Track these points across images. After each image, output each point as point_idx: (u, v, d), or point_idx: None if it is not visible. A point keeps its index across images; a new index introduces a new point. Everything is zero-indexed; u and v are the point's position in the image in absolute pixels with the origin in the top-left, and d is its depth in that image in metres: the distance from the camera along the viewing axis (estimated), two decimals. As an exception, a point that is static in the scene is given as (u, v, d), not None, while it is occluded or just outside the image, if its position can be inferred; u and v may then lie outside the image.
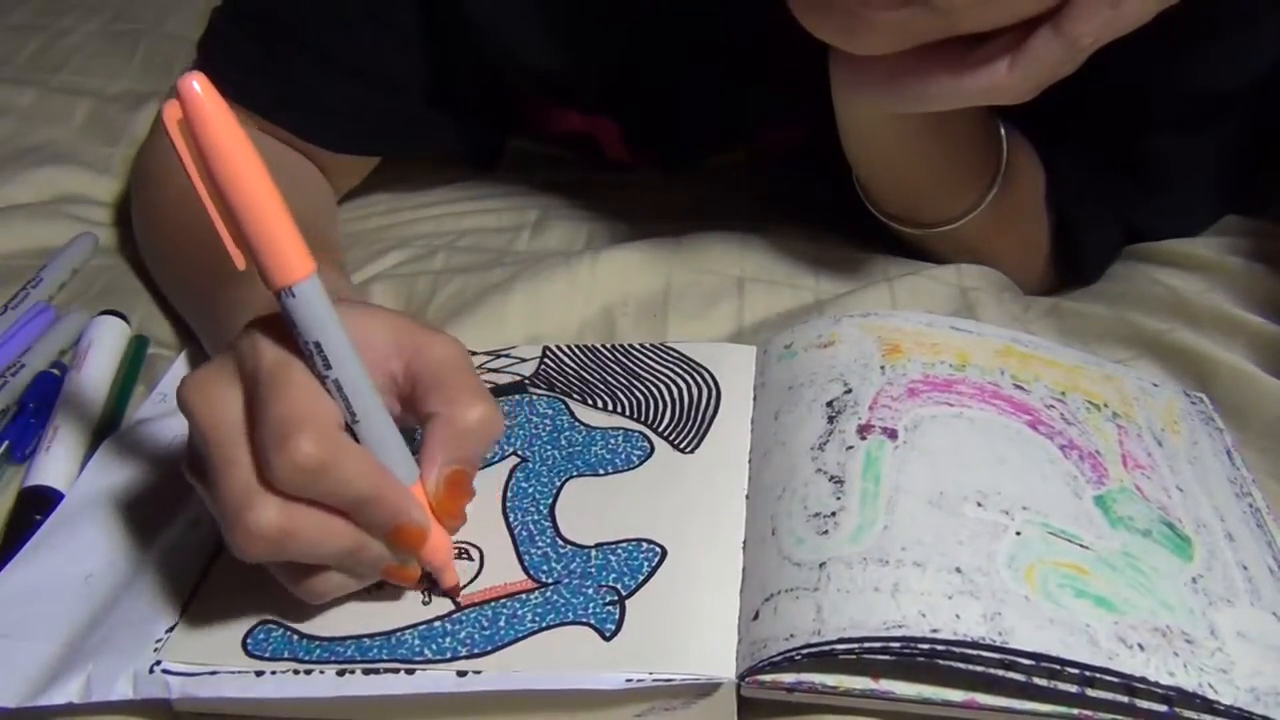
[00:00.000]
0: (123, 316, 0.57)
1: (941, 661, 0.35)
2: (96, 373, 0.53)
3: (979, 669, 0.35)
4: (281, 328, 0.36)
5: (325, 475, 0.35)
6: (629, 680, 0.37)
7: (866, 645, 0.35)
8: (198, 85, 0.32)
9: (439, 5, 0.59)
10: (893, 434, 0.43)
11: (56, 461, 0.48)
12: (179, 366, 0.54)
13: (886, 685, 0.36)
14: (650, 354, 0.51)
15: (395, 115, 0.63)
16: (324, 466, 0.34)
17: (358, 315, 0.39)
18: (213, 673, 0.37)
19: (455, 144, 0.68)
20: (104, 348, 0.55)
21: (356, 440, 0.37)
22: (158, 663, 0.38)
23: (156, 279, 0.61)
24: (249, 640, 0.39)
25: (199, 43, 0.63)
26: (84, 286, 0.63)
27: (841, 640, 0.36)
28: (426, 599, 0.40)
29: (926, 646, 0.35)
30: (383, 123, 0.63)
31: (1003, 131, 0.57)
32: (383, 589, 0.40)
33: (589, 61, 0.62)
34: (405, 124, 0.64)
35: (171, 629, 0.39)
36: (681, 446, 0.46)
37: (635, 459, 0.45)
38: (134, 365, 0.55)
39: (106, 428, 0.51)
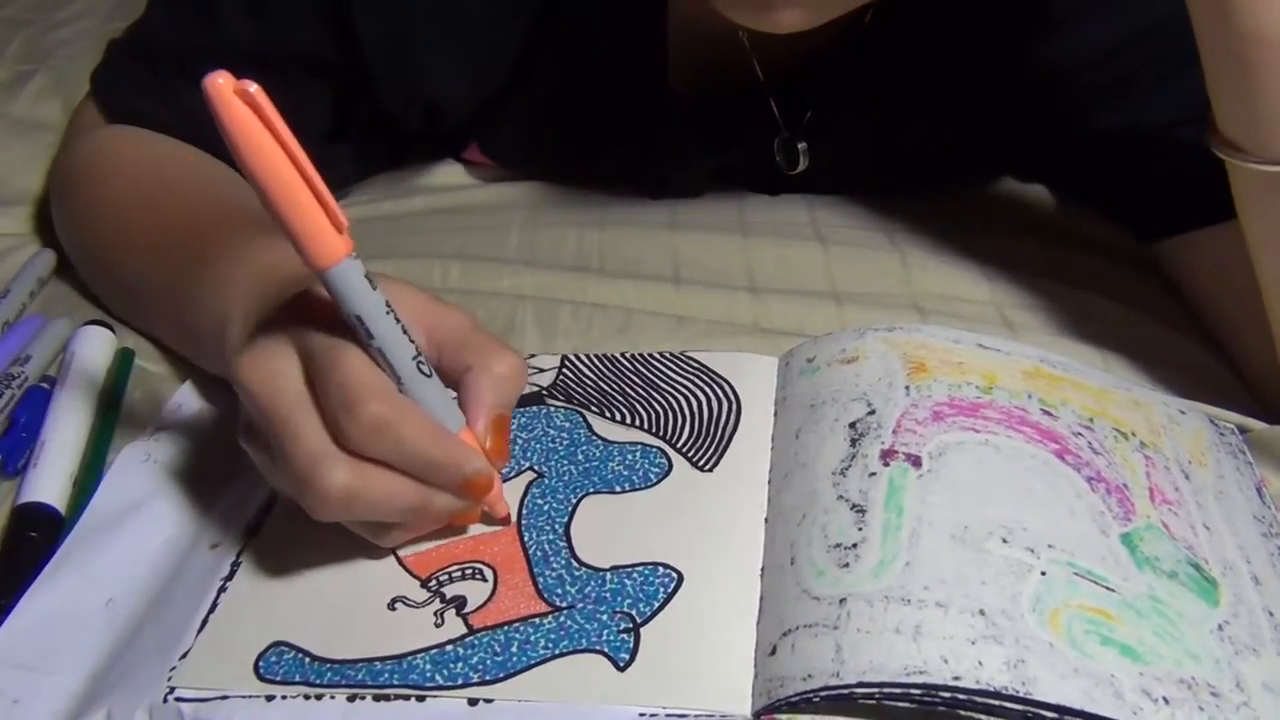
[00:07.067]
0: (108, 326, 0.56)
1: (963, 712, 0.34)
2: (85, 385, 0.52)
3: (1000, 721, 0.35)
4: (318, 304, 0.39)
5: (391, 433, 0.38)
6: (642, 714, 0.36)
7: (886, 691, 0.35)
8: (221, 81, 0.34)
9: (337, 42, 0.59)
10: (916, 461, 0.42)
11: (48, 477, 0.47)
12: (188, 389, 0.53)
13: (905, 733, 0.36)
14: (669, 364, 0.50)
15: None
16: (390, 425, 0.37)
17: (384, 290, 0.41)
18: (224, 697, 0.37)
19: (352, 177, 0.69)
20: (91, 359, 0.53)
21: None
22: (171, 690, 0.37)
23: (93, 281, 0.61)
24: (261, 663, 0.38)
25: (92, 74, 0.64)
26: (58, 296, 0.62)
27: (861, 684, 0.35)
28: (439, 621, 0.40)
29: (948, 695, 0.34)
30: None
31: None
32: (396, 610, 0.40)
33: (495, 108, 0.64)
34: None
35: (186, 654, 0.39)
36: (700, 464, 0.45)
37: (653, 476, 0.45)
38: (121, 377, 0.54)
39: (97, 441, 0.50)
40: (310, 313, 0.40)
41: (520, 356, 0.43)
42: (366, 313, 0.38)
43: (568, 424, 0.47)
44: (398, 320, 0.38)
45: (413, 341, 0.39)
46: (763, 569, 0.41)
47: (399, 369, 0.39)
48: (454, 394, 0.42)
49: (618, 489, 0.44)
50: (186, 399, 0.51)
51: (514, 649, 0.38)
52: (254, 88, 0.34)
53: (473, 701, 0.37)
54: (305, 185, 0.36)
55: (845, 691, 0.35)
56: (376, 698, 0.37)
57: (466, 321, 0.43)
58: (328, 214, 0.36)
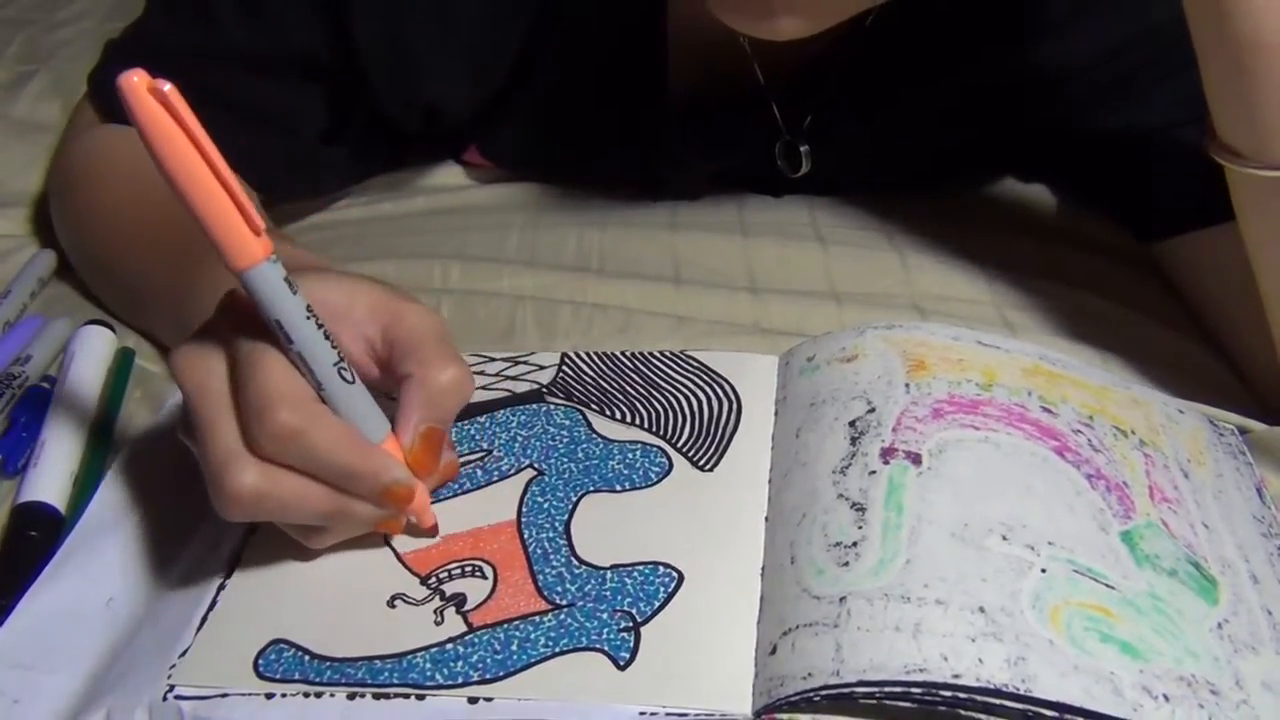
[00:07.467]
0: (108, 326, 0.56)
1: (963, 711, 0.34)
2: (85, 385, 0.52)
3: (1001, 720, 0.35)
4: (250, 305, 0.38)
5: (300, 441, 0.37)
6: (642, 713, 0.36)
7: (887, 690, 0.35)
8: (136, 79, 0.33)
9: (334, 44, 0.59)
10: (916, 459, 0.42)
11: (48, 476, 0.47)
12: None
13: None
14: (670, 363, 0.50)
15: (286, 155, 0.63)
16: (300, 434, 0.37)
17: (339, 284, 0.42)
18: (224, 695, 0.37)
19: (349, 179, 0.69)
20: (91, 359, 0.54)
21: (327, 404, 0.39)
22: (171, 688, 0.37)
23: (92, 281, 0.61)
24: (260, 661, 0.38)
25: (90, 75, 0.64)
26: (58, 296, 0.62)
27: (861, 683, 0.35)
28: (439, 619, 0.40)
29: (949, 694, 0.34)
30: (273, 162, 0.62)
31: None
32: (395, 607, 0.40)
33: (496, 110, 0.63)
34: (299, 164, 0.64)
35: (186, 652, 0.39)
36: (700, 464, 0.45)
37: (653, 475, 0.45)
38: (121, 377, 0.54)
39: (97, 441, 0.50)
40: (243, 313, 0.39)
41: (466, 369, 0.41)
42: (285, 317, 0.37)
43: (568, 422, 0.47)
44: (319, 325, 0.38)
45: (335, 347, 0.39)
46: (763, 568, 0.41)
47: (319, 375, 0.39)
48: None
49: (618, 488, 0.44)
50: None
51: (514, 647, 0.38)
52: (168, 87, 0.34)
53: (472, 700, 0.37)
54: (220, 187, 0.35)
55: (845, 690, 0.35)
56: (376, 696, 0.37)
57: (425, 323, 0.42)
58: (244, 216, 0.36)
